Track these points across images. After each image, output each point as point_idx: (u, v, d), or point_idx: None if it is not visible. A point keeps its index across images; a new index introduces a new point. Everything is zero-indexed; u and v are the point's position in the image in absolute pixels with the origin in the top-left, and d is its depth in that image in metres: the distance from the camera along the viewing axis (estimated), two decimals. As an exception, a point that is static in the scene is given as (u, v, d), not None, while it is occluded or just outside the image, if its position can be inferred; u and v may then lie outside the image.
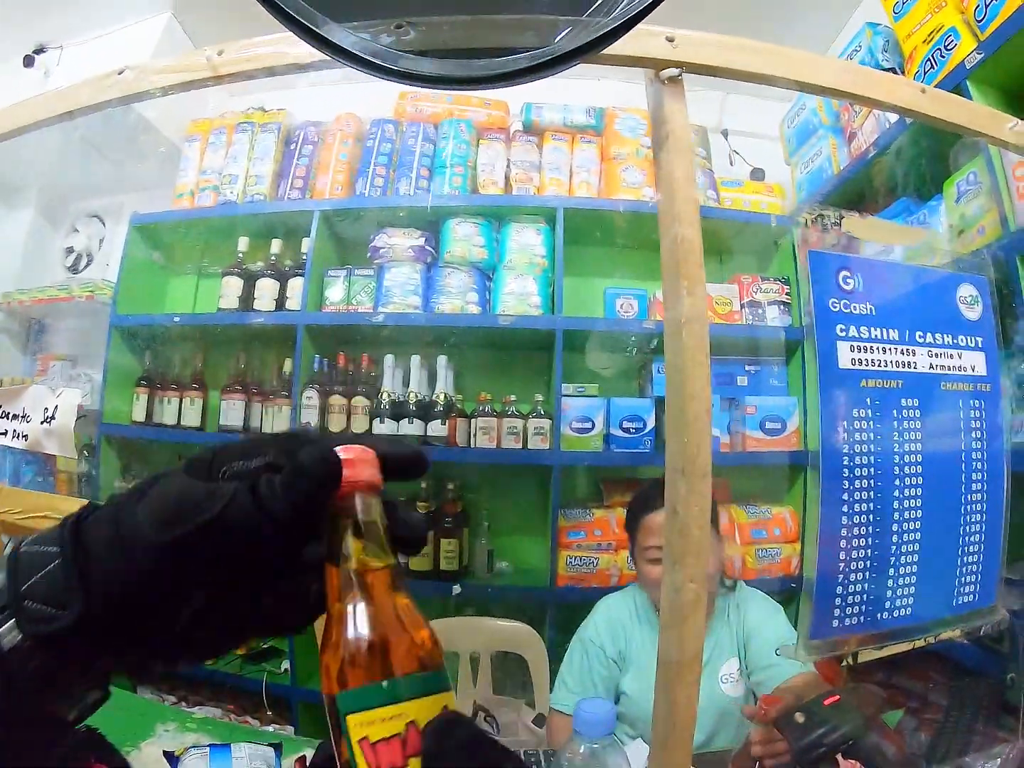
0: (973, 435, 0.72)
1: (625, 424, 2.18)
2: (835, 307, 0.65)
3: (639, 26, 0.45)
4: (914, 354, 0.68)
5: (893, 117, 1.77)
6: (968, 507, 0.71)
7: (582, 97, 2.54)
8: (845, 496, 0.63)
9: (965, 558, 0.71)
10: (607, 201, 2.34)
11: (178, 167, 2.50)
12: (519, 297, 2.25)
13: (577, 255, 2.40)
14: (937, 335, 0.70)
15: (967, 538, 0.71)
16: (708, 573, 1.37)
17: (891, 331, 0.67)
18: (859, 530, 0.63)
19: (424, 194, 2.35)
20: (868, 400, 0.65)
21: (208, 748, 0.93)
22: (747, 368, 2.36)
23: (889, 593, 0.67)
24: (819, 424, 0.62)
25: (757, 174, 2.58)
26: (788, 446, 2.22)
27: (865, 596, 0.66)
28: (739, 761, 0.90)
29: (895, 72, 1.76)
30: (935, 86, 1.58)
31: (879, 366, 0.66)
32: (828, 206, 0.67)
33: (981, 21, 1.54)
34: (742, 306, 2.35)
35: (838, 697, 0.80)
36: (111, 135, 2.37)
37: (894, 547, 0.66)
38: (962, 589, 0.72)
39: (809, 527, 2.06)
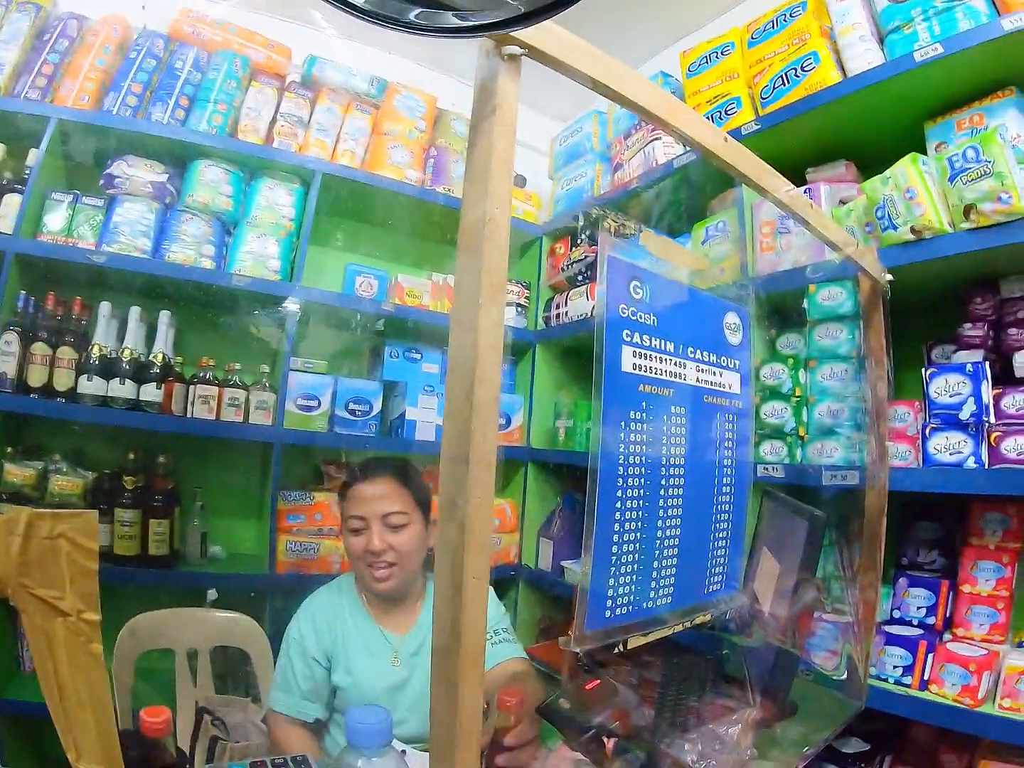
0: (726, 445, 0.80)
1: (352, 406, 2.15)
2: (624, 312, 0.67)
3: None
4: (685, 367, 0.73)
5: (661, 159, 1.97)
6: (718, 507, 0.79)
7: (369, 65, 2.45)
8: (619, 494, 0.66)
9: (715, 552, 0.79)
10: (368, 175, 2.27)
11: None
12: (258, 258, 2.10)
13: (325, 224, 2.32)
14: (705, 353, 0.77)
15: (716, 534, 0.79)
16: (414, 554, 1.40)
17: (668, 343, 0.72)
18: (630, 526, 0.67)
19: (178, 126, 2.09)
20: (643, 404, 0.68)
21: None
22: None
23: (653, 584, 0.71)
24: (600, 423, 0.64)
25: (519, 180, 2.68)
26: (511, 441, 2.34)
27: (633, 588, 0.69)
28: (491, 756, 0.90)
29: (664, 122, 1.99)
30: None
31: (655, 374, 0.70)
32: (629, 217, 0.69)
33: (766, 99, 1.79)
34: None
35: (599, 682, 0.83)
36: None
37: (658, 542, 0.70)
38: (712, 579, 0.79)
39: (530, 520, 2.20)
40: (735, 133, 1.77)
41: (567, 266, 2.32)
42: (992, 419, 1.32)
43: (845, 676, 1.32)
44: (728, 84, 1.87)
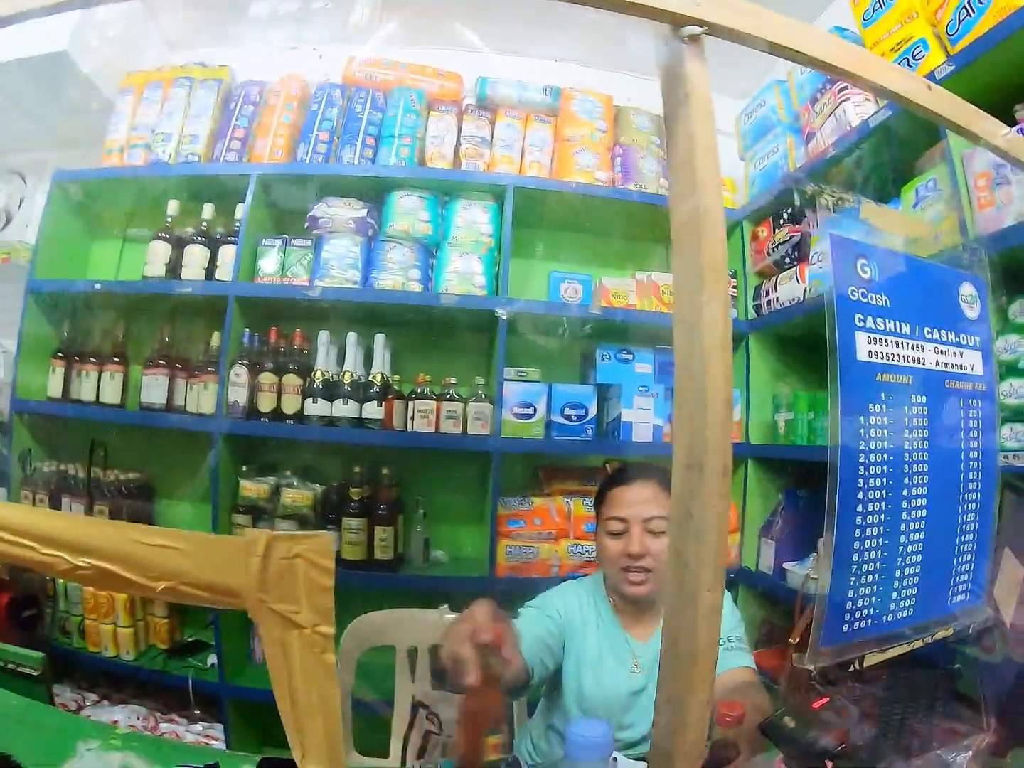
0: (971, 434, 0.71)
1: (567, 411, 2.15)
2: (853, 295, 0.61)
3: None
4: (923, 350, 0.66)
5: (854, 120, 1.80)
6: (964, 506, 0.70)
7: (539, 76, 2.48)
8: (860, 496, 0.60)
9: (960, 557, 0.71)
10: (559, 182, 2.29)
11: (109, 123, 2.29)
12: (463, 276, 2.18)
13: (524, 236, 2.34)
14: (942, 332, 0.68)
15: (963, 537, 0.70)
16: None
17: (903, 324, 0.64)
18: (872, 530, 0.61)
19: (369, 164, 2.24)
20: (882, 395, 0.62)
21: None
22: (693, 359, 2.38)
23: (895, 595, 0.65)
24: (837, 420, 0.58)
25: None
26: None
27: (873, 600, 0.63)
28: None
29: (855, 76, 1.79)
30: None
31: (893, 360, 0.63)
32: (844, 188, 0.63)
33: (953, 35, 1.58)
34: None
35: (827, 699, 0.78)
36: (38, 87, 2.15)
37: (901, 548, 0.64)
38: (957, 588, 0.71)
39: (750, 519, 2.07)
40: (929, 78, 1.57)
41: (772, 249, 2.18)
42: None
43: None
44: (909, 26, 1.66)
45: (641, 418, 2.14)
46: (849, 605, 0.62)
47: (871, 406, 0.61)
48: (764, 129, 2.30)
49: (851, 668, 0.62)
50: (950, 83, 1.52)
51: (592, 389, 2.20)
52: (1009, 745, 1.03)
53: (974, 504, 0.72)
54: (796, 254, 2.10)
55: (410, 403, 2.10)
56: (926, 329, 0.66)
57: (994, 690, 1.01)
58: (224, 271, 2.11)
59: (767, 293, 2.22)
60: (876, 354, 0.62)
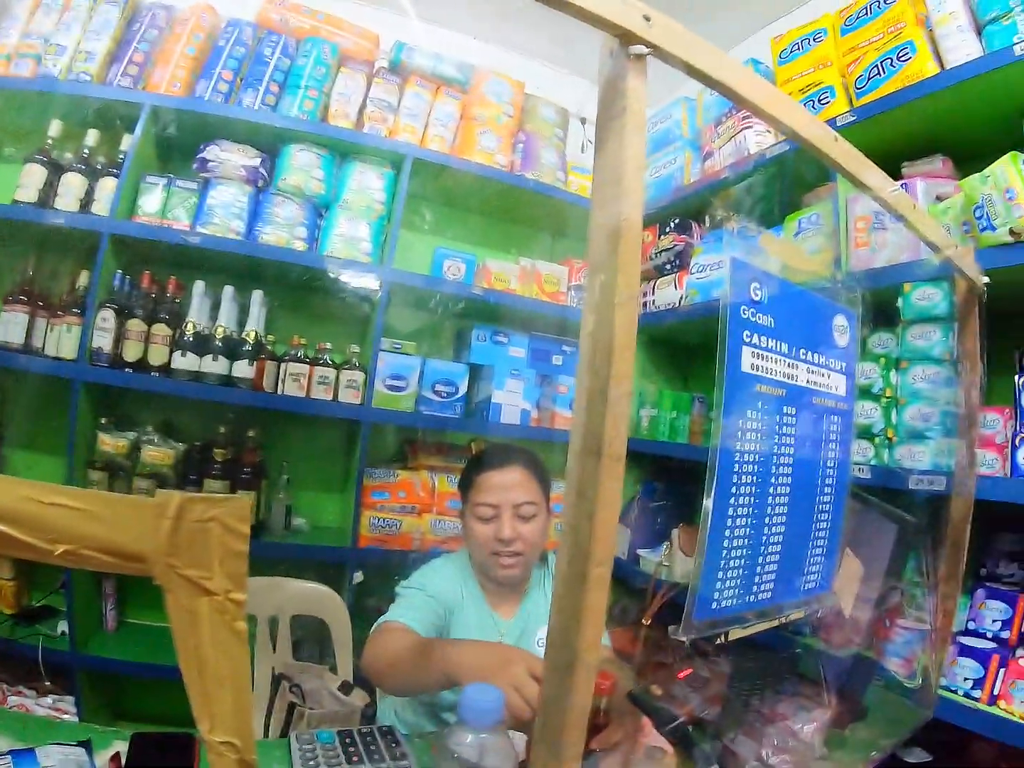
0: (830, 446, 0.82)
1: (438, 387, 2.21)
2: (744, 314, 0.70)
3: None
4: (797, 368, 0.75)
5: (753, 148, 1.96)
6: (820, 507, 0.81)
7: (456, 51, 2.50)
8: (734, 490, 0.68)
9: (813, 550, 0.81)
10: (458, 159, 2.32)
11: (0, 26, 2.07)
12: (349, 241, 2.17)
13: (416, 208, 2.37)
14: (815, 354, 0.78)
15: (816, 533, 0.81)
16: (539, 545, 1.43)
17: (783, 344, 0.74)
18: (741, 521, 0.69)
19: (269, 112, 2.17)
20: (759, 404, 0.71)
21: (9, 757, 0.79)
22: (564, 348, 2.48)
23: (757, 580, 0.74)
24: (720, 423, 0.67)
25: None
26: None
27: (739, 582, 0.72)
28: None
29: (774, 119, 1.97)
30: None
31: (771, 374, 0.72)
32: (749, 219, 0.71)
33: (860, 89, 1.76)
34: (569, 288, 2.47)
35: (690, 671, 0.87)
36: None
37: (765, 539, 0.73)
38: (808, 577, 0.82)
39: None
40: (830, 124, 1.74)
41: (655, 254, 2.33)
42: None
43: (918, 685, 1.32)
44: (821, 72, 1.84)
45: (511, 401, 2.23)
46: (719, 585, 0.70)
47: (749, 412, 0.69)
48: (665, 141, 2.44)
49: (717, 640, 0.71)
50: (848, 131, 1.70)
51: (465, 368, 2.26)
52: (847, 720, 1.20)
53: (828, 506, 0.83)
54: (677, 262, 2.26)
55: (282, 365, 2.07)
56: (801, 350, 0.77)
57: (834, 673, 1.16)
58: (101, 205, 1.98)
59: (645, 295, 2.37)
60: (757, 367, 0.70)
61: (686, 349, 2.54)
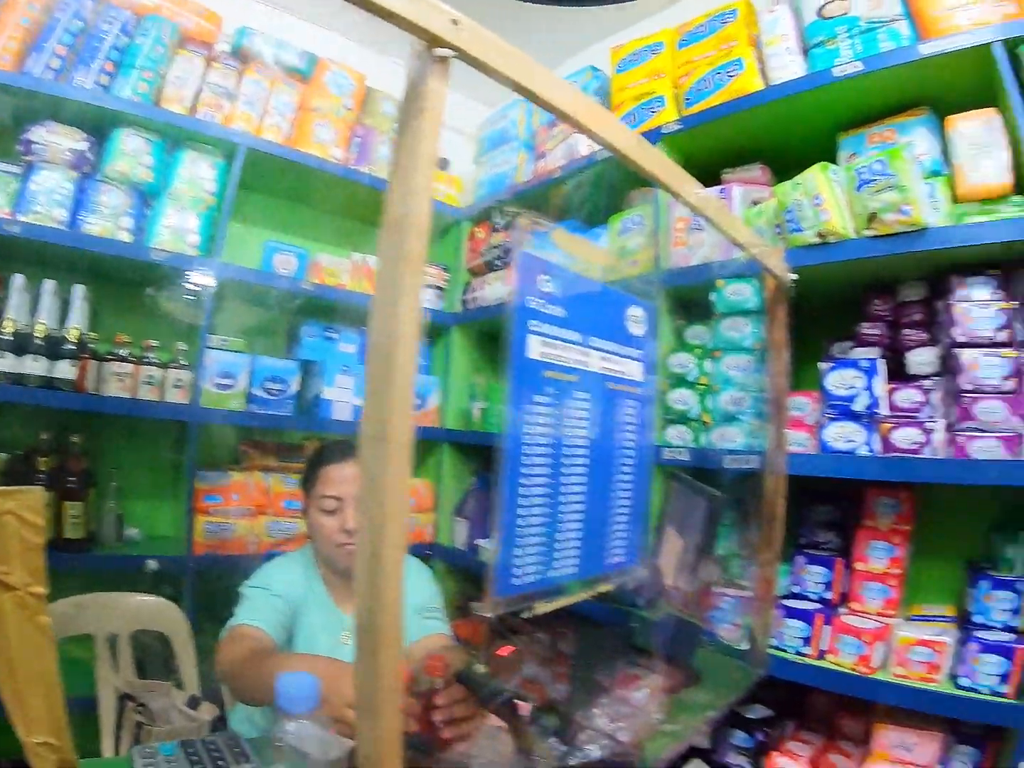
0: (627, 428, 0.90)
1: (268, 384, 2.19)
2: (532, 304, 0.76)
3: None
4: (589, 355, 0.83)
5: (583, 151, 2.09)
6: (619, 485, 0.89)
7: (301, 39, 2.49)
8: (525, 471, 0.75)
9: (616, 526, 0.89)
10: (292, 151, 2.30)
11: None
12: (177, 232, 2.12)
13: (247, 199, 2.34)
14: (608, 343, 0.86)
15: (618, 510, 0.89)
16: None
17: (574, 333, 0.81)
18: (536, 500, 0.76)
19: (101, 92, 2.06)
20: (549, 389, 0.77)
21: None
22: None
23: (558, 555, 0.80)
24: (506, 407, 0.72)
25: (442, 163, 2.79)
26: (426, 422, 2.45)
27: (539, 558, 0.78)
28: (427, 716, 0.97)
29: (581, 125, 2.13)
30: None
31: (561, 361, 0.79)
32: (546, 215, 0.77)
33: (688, 100, 1.92)
34: None
35: (512, 648, 0.93)
36: None
37: (562, 515, 0.79)
38: (613, 551, 0.90)
39: (445, 499, 2.35)
40: (656, 132, 1.90)
41: (486, 251, 2.43)
42: (885, 411, 1.49)
43: (747, 646, 1.46)
44: (655, 83, 1.99)
45: (342, 397, 2.24)
46: (517, 562, 0.76)
47: (537, 397, 0.76)
48: (501, 140, 2.56)
49: (526, 614, 0.76)
50: (674, 138, 1.87)
51: (295, 364, 2.26)
52: (683, 684, 1.30)
53: (628, 484, 0.92)
54: (507, 258, 2.35)
55: (106, 364, 1.98)
56: (594, 339, 0.84)
57: (662, 641, 1.27)
58: (-90, 185, 1.83)
59: (475, 290, 2.48)
60: (546, 354, 0.77)
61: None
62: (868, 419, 1.49)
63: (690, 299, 1.78)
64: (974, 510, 1.62)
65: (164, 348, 2.12)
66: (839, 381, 1.51)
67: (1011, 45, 1.40)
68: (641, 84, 2.02)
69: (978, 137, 1.48)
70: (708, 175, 1.94)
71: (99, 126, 2.09)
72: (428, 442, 2.55)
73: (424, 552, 2.41)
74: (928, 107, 1.61)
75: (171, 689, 1.43)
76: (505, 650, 0.92)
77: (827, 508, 1.71)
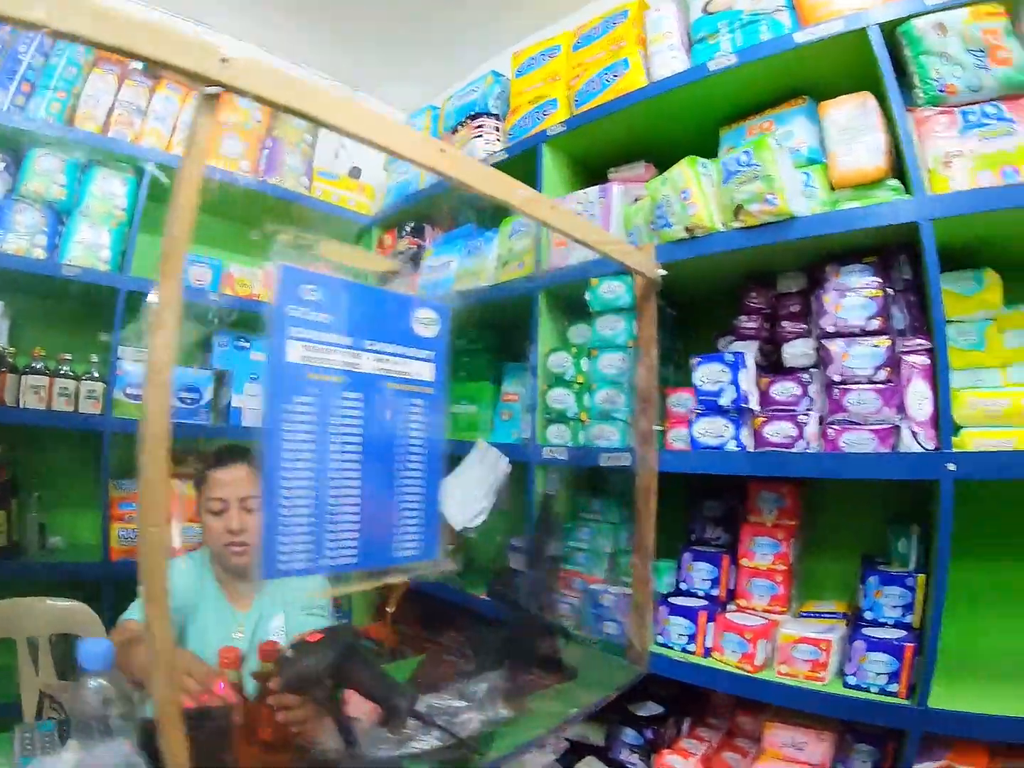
0: (412, 426, 1.00)
1: (183, 394, 2.34)
2: (292, 312, 0.87)
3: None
4: (360, 357, 0.93)
5: (480, 155, 2.18)
6: (405, 481, 0.99)
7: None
8: (286, 465, 0.85)
9: (405, 521, 0.99)
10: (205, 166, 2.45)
11: None
12: (89, 248, 2.26)
13: (160, 213, 2.47)
14: (388, 345, 0.97)
15: (405, 505, 0.99)
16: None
17: (343, 337, 0.92)
18: (300, 492, 0.86)
19: (16, 112, 2.20)
20: (312, 390, 0.88)
21: None
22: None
23: (331, 545, 0.90)
24: (266, 407, 0.83)
25: (354, 172, 2.94)
26: None
27: (308, 546, 0.89)
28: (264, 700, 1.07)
29: (498, 118, 2.24)
30: (521, 142, 2.06)
31: (325, 363, 0.89)
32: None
33: (578, 102, 1.99)
34: None
35: (321, 635, 1.03)
36: None
37: (333, 508, 0.89)
38: (404, 546, 1.00)
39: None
40: (542, 135, 2.00)
41: (391, 257, 2.56)
42: (754, 405, 1.55)
43: (628, 644, 1.52)
44: (549, 86, 2.07)
45: (252, 404, 2.42)
46: (283, 548, 0.85)
47: (298, 397, 0.86)
48: None
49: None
50: (559, 140, 1.97)
51: (208, 373, 2.41)
52: (538, 682, 1.39)
53: (417, 480, 1.01)
54: (412, 264, 2.49)
55: (23, 377, 2.12)
56: (368, 342, 0.95)
57: (508, 636, 1.36)
58: None
59: None
60: (308, 358, 0.88)
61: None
62: (736, 414, 1.53)
63: (572, 298, 1.86)
64: (873, 503, 1.67)
65: (79, 360, 2.24)
66: (706, 376, 1.56)
67: (889, 28, 1.46)
68: (537, 88, 2.10)
69: (851, 121, 1.53)
70: (597, 175, 2.02)
71: (16, 147, 2.22)
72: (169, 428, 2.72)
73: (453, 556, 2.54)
74: (809, 96, 1.66)
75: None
76: (314, 637, 1.02)
77: (715, 504, 1.77)
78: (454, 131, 2.36)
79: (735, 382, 1.55)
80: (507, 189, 1.16)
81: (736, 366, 1.55)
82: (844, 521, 1.75)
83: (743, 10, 1.74)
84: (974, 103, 1.44)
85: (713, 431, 1.57)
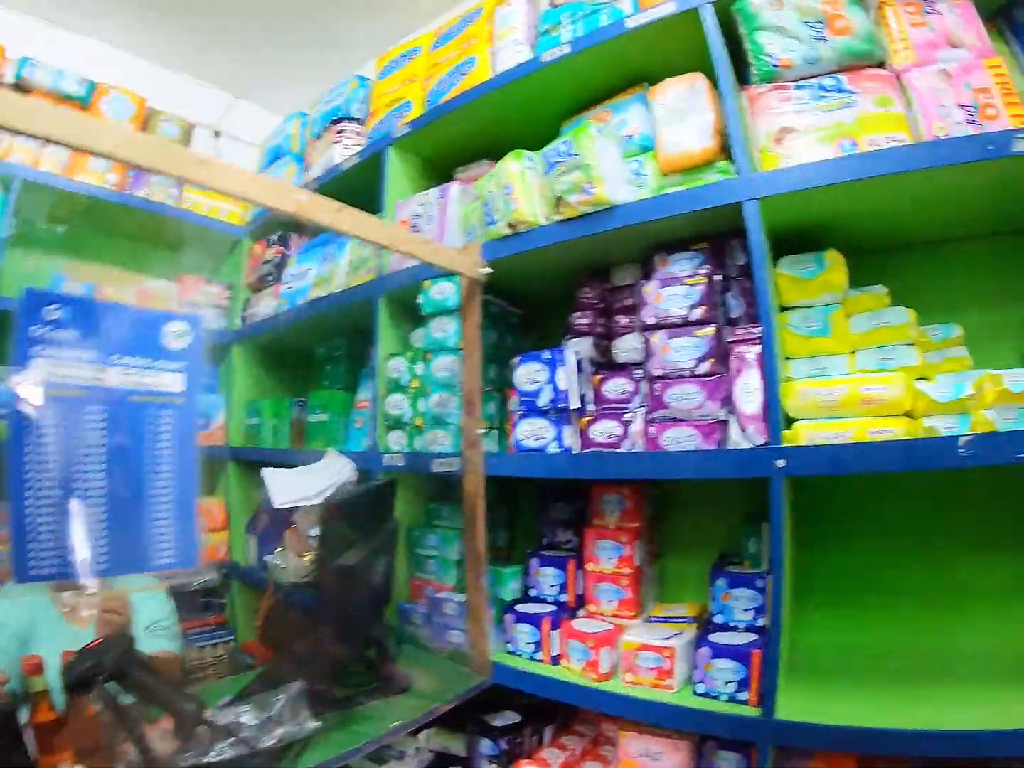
0: (162, 436, 1.21)
1: None
2: (35, 333, 1.08)
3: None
4: (105, 371, 1.14)
5: (338, 160, 2.44)
6: (155, 491, 1.19)
7: (86, 61, 2.88)
8: (28, 477, 1.04)
9: (159, 530, 1.20)
10: (67, 180, 2.67)
11: None
12: None
13: (27, 231, 2.65)
14: (135, 359, 1.18)
15: (159, 514, 1.19)
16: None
17: (88, 353, 1.13)
18: (44, 503, 1.03)
19: None
20: (54, 406, 1.09)
21: None
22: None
23: (80, 552, 1.11)
24: (5, 421, 1.05)
25: None
26: (212, 440, 2.86)
27: (55, 553, 1.09)
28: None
29: (359, 122, 2.45)
30: (371, 145, 2.26)
31: (67, 379, 1.11)
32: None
33: (429, 103, 2.19)
34: (182, 304, 2.93)
35: (99, 641, 1.22)
36: None
37: (79, 517, 1.10)
38: (160, 554, 1.20)
39: (236, 517, 3.02)
40: (388, 137, 2.20)
41: (261, 266, 2.80)
42: (575, 404, 1.66)
43: (470, 653, 1.65)
44: (406, 88, 2.27)
45: None
46: (32, 556, 1.06)
47: (39, 414, 1.07)
48: (278, 154, 2.95)
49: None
50: (405, 141, 2.17)
51: None
52: (396, 689, 1.52)
53: (168, 490, 1.19)
54: (278, 273, 2.75)
55: None
56: (115, 356, 1.15)
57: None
58: None
59: (252, 306, 2.85)
60: (52, 374, 1.09)
61: (282, 357, 3.13)
62: (556, 414, 1.67)
63: (411, 302, 2.02)
64: (731, 499, 1.78)
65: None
66: (525, 376, 1.71)
67: (723, 6, 1.56)
68: (396, 90, 2.30)
69: (678, 103, 1.63)
70: (447, 176, 2.21)
71: None
72: (220, 460, 2.95)
73: (221, 571, 2.76)
74: (648, 84, 1.77)
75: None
76: (94, 643, 1.21)
77: (563, 506, 1.91)
78: (319, 137, 2.58)
79: (552, 381, 1.67)
80: (278, 197, 1.24)
81: (553, 364, 1.67)
82: (702, 519, 1.86)
83: (586, 0, 1.89)
84: (812, 76, 1.52)
85: (534, 432, 1.70)
